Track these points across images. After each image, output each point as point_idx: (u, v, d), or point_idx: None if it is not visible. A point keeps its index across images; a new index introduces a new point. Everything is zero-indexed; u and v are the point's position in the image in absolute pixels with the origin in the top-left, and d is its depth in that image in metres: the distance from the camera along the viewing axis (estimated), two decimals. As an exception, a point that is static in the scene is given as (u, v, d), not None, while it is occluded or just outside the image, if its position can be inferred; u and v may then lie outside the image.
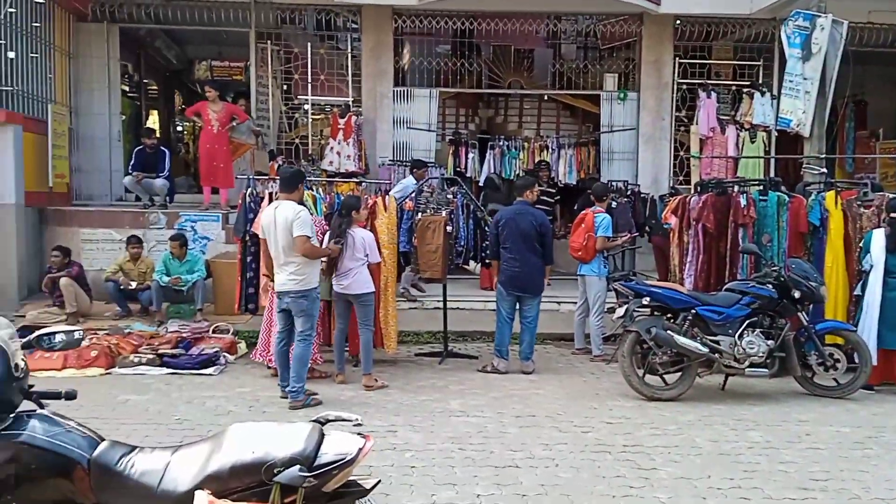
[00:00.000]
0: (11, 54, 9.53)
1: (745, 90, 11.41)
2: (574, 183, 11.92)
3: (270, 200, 6.98)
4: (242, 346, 7.81)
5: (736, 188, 7.86)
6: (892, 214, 6.63)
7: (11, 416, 2.41)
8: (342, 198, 7.47)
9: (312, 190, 7.56)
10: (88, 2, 11.24)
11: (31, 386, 2.54)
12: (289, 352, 6.12)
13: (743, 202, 7.55)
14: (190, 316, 8.73)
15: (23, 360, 2.48)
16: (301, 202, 6.12)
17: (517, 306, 7.18)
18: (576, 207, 10.03)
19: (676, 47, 11.72)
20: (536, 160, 11.73)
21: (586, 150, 12.18)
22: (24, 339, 2.63)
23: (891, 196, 7.00)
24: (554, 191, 11.42)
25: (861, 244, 6.92)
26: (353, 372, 6.76)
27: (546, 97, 13.04)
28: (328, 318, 7.23)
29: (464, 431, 5.34)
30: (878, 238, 6.65)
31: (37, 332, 2.79)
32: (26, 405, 2.51)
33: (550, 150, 12.00)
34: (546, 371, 7.21)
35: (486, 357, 7.55)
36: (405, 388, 6.55)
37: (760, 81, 11.57)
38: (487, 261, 7.88)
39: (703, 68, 11.82)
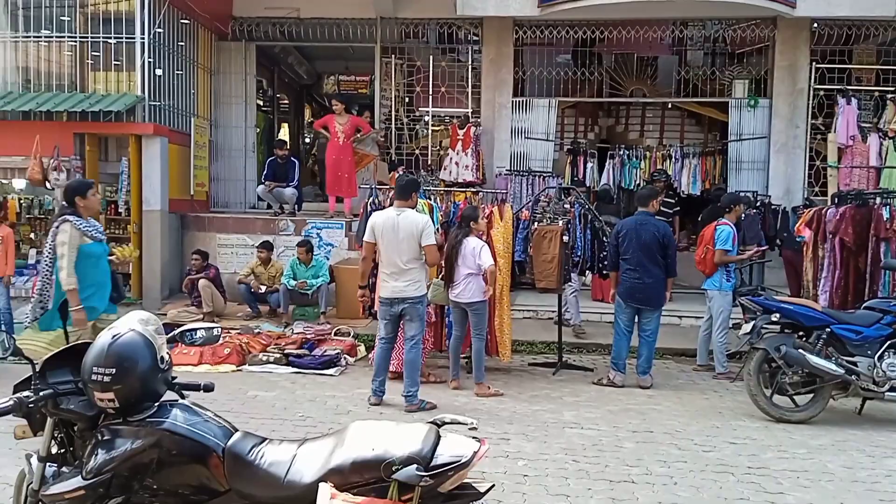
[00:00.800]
0: (159, 71, 10.33)
1: (889, 96, 10.64)
2: (698, 193, 11.52)
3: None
4: (362, 349, 8.07)
5: (878, 200, 7.35)
6: None
7: (156, 404, 2.60)
8: (457, 206, 7.60)
9: (430, 199, 7.72)
10: (228, 22, 12.03)
11: (174, 378, 2.74)
12: (390, 357, 6.31)
13: (886, 215, 7.09)
14: (314, 318, 9.12)
15: (167, 353, 2.67)
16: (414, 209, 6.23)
17: (635, 319, 7.01)
18: (700, 218, 9.69)
19: (813, 51, 11.10)
20: (657, 169, 11.43)
21: (712, 159, 11.75)
22: (169, 335, 2.84)
23: None
24: (673, 201, 11.05)
25: None
26: (467, 379, 6.83)
27: (670, 105, 12.70)
28: (441, 324, 7.36)
29: (578, 443, 5.28)
30: None
31: (181, 328, 3.02)
32: (169, 395, 2.70)
33: (674, 159, 11.64)
34: (665, 387, 6.99)
35: (601, 369, 7.42)
36: (518, 396, 6.55)
37: (907, 87, 10.77)
38: (605, 272, 7.73)
39: (842, 73, 11.12)
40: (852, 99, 10.46)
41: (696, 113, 12.73)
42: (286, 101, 17.04)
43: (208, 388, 2.87)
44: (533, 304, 9.53)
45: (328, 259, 9.88)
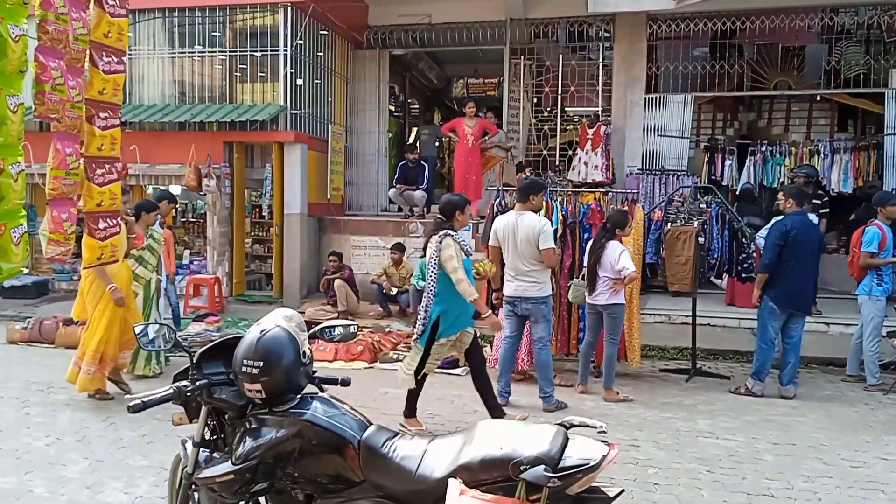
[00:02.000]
0: (300, 81, 10.88)
1: None
2: (849, 191, 10.74)
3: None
4: (487, 350, 8.11)
5: None
6: None
7: (298, 396, 2.73)
8: (588, 208, 7.48)
9: (552, 200, 7.64)
10: (364, 31, 12.49)
11: (315, 372, 2.88)
12: (514, 356, 6.37)
13: None
14: (442, 318, 9.28)
15: (309, 348, 2.82)
16: (537, 212, 6.21)
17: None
18: (851, 218, 9.04)
19: (981, 35, 10.10)
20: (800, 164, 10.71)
21: (866, 154, 10.91)
22: (310, 331, 3.00)
23: None
24: (819, 202, 10.09)
25: None
26: (595, 383, 6.73)
27: (818, 97, 11.92)
28: (569, 328, 7.29)
29: (712, 453, 5.09)
30: None
31: (320, 325, 3.18)
32: (310, 389, 2.85)
33: (822, 155, 10.92)
34: (809, 398, 6.59)
35: (738, 378, 7.09)
36: (649, 403, 6.38)
37: None
38: (748, 275, 7.36)
39: None
40: None
41: (847, 105, 11.88)
42: (416, 106, 17.43)
43: (345, 383, 3.01)
44: (665, 307, 9.24)
45: (456, 260, 10.01)
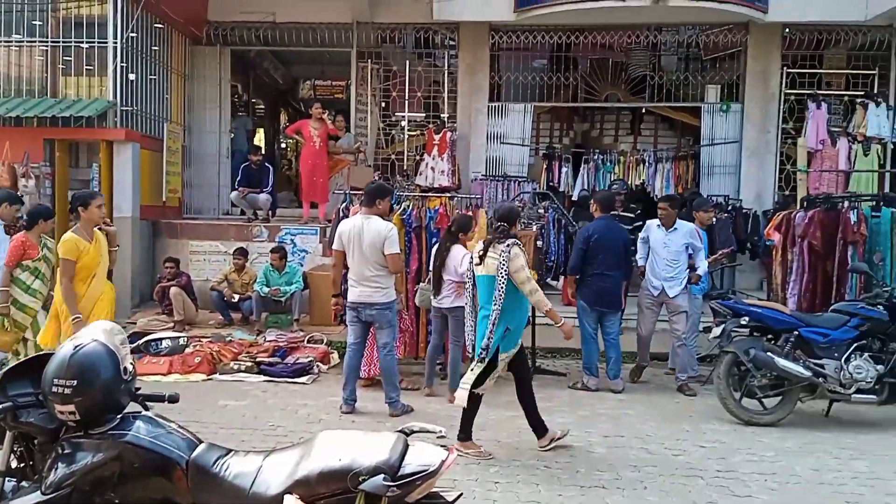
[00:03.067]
0: (132, 76, 10.21)
1: (858, 101, 10.85)
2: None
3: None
4: (335, 357, 8.01)
5: (846, 203, 7.48)
6: None
7: (119, 417, 2.56)
8: (435, 212, 7.57)
9: (401, 205, 7.67)
10: (203, 26, 11.94)
11: (138, 389, 2.71)
12: (360, 363, 6.36)
13: (853, 218, 7.22)
14: (287, 326, 9.04)
15: (131, 364, 2.64)
16: (385, 217, 6.22)
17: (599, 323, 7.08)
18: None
19: (784, 56, 11.31)
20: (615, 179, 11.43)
21: (685, 163, 11.88)
22: (134, 345, 2.81)
23: None
24: (633, 215, 10.00)
25: None
26: (441, 385, 6.82)
27: (644, 110, 12.83)
28: (417, 331, 7.35)
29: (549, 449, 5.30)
30: None
31: (145, 338, 2.99)
32: (133, 407, 2.67)
33: (647, 163, 11.76)
34: (636, 390, 7.04)
35: (574, 374, 7.45)
36: (492, 403, 6.49)
37: (875, 91, 10.97)
38: (563, 276, 7.76)
39: (813, 78, 11.32)
40: (822, 103, 10.64)
41: (669, 118, 12.88)
42: (262, 107, 16.95)
43: (173, 399, 2.85)
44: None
45: (302, 265, 9.81)
